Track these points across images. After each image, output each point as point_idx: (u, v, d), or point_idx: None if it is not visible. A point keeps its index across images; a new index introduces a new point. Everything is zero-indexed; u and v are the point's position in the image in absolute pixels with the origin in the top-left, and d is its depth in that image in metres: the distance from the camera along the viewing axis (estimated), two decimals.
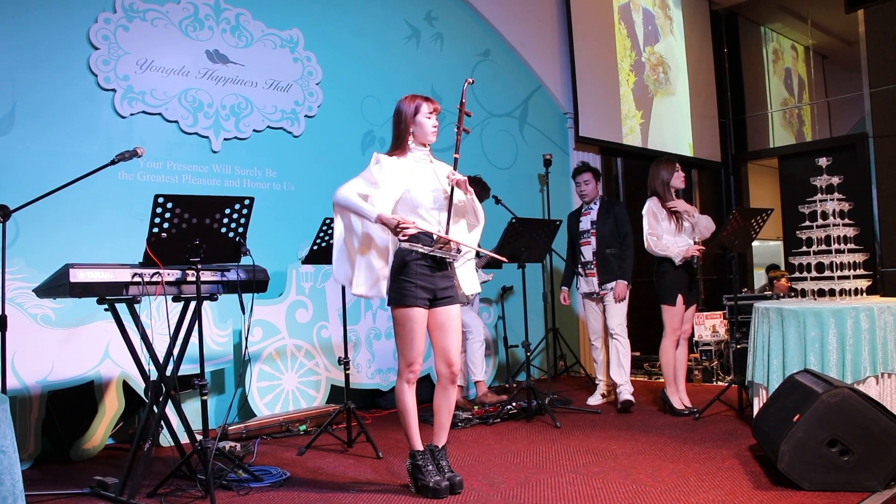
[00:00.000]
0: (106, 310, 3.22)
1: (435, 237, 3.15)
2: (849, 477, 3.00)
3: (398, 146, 3.28)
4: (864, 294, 4.24)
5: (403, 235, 3.05)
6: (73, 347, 4.01)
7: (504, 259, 3.65)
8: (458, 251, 3.24)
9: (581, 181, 5.41)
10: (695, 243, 4.86)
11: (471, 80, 3.29)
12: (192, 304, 3.34)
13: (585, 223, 5.36)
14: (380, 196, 3.13)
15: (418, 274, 3.12)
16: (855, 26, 8.54)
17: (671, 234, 4.87)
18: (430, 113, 3.25)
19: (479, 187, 5.39)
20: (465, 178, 3.19)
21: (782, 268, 9.91)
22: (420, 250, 3.11)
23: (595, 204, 5.38)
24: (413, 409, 3.22)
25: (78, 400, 4.08)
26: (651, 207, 4.92)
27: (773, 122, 9.85)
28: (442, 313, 3.20)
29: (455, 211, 3.23)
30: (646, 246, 4.92)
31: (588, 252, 5.31)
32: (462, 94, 3.22)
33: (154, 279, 3.17)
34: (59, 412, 4.00)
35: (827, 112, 9.71)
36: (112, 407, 4.11)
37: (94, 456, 4.06)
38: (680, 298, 4.84)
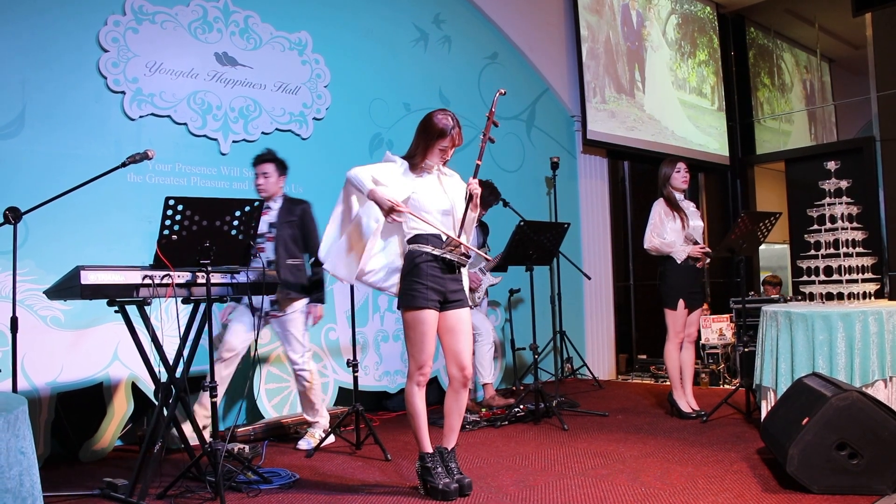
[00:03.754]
0: (116, 311, 3.23)
1: (445, 239, 3.16)
2: (858, 480, 3.00)
3: (412, 157, 3.28)
4: (873, 298, 4.24)
5: (390, 220, 3.06)
6: (83, 349, 4.03)
7: (493, 260, 3.58)
8: (468, 255, 3.24)
9: (259, 172, 4.31)
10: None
11: (503, 91, 3.26)
12: (202, 306, 3.36)
13: (262, 225, 4.12)
14: (388, 186, 3.15)
15: (428, 276, 3.12)
16: (862, 30, 8.52)
17: (677, 233, 4.87)
18: (448, 147, 3.24)
19: (489, 191, 5.40)
20: (479, 191, 3.19)
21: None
22: (431, 252, 3.13)
23: (276, 202, 4.33)
24: (423, 412, 3.23)
25: (87, 401, 4.09)
26: (658, 208, 4.93)
27: (779, 126, 9.84)
28: (452, 316, 3.21)
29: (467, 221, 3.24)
30: (646, 244, 4.93)
31: (263, 260, 3.98)
32: (493, 104, 3.20)
33: (164, 281, 3.18)
34: (69, 413, 4.01)
35: (834, 116, 9.69)
36: (121, 408, 4.13)
37: (103, 457, 4.08)
38: (681, 303, 4.84)
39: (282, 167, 4.35)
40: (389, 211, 3.04)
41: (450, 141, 3.22)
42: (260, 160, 4.33)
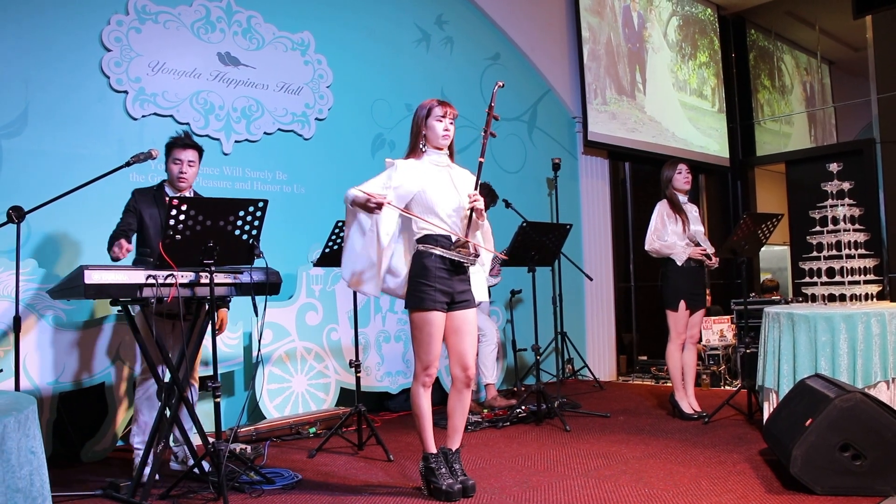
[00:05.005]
0: (119, 311, 3.22)
1: (454, 239, 3.15)
2: (861, 481, 3.00)
3: (412, 149, 3.29)
4: (875, 299, 4.24)
5: (374, 209, 3.01)
6: (85, 349, 4.02)
7: (504, 256, 3.56)
8: (477, 255, 3.23)
9: (184, 159, 3.76)
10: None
11: (501, 84, 3.24)
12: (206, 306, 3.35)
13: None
14: (393, 195, 3.12)
15: (437, 277, 3.12)
16: (863, 32, 8.54)
17: (678, 235, 4.88)
18: (443, 116, 3.21)
19: (486, 192, 5.39)
20: (481, 206, 3.17)
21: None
22: (438, 253, 3.12)
23: (190, 194, 3.89)
24: (428, 412, 3.22)
25: (89, 401, 4.08)
26: (660, 209, 4.94)
27: (780, 128, 9.85)
28: (459, 317, 3.21)
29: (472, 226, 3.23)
30: (647, 246, 4.94)
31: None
32: (492, 97, 3.19)
33: (168, 281, 3.17)
34: (70, 413, 4.00)
35: (834, 117, 9.70)
36: (123, 408, 4.12)
37: (104, 457, 4.07)
38: (682, 304, 4.84)
39: (201, 157, 3.91)
40: (368, 203, 3.00)
41: (441, 110, 3.21)
42: (185, 145, 3.76)
